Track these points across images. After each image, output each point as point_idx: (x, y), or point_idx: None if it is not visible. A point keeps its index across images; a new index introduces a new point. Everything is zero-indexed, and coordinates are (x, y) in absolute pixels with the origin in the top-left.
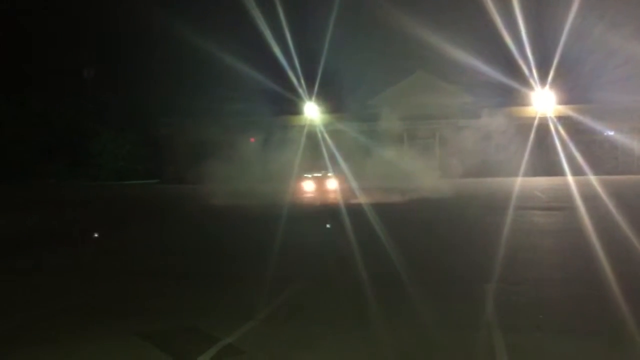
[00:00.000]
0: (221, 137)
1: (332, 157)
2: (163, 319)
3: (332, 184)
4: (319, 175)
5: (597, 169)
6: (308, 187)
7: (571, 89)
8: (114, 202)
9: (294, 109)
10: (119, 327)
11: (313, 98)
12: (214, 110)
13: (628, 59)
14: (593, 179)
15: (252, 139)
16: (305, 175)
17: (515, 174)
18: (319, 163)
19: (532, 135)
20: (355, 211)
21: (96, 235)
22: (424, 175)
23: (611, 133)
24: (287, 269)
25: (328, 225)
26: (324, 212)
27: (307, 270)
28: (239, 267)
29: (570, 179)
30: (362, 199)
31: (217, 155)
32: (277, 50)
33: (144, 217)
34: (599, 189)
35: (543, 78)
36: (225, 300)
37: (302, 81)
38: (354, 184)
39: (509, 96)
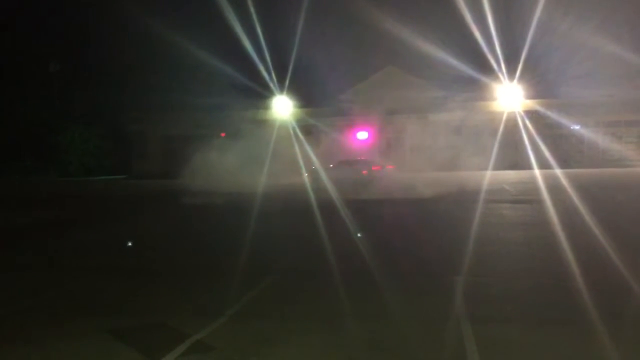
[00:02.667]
0: (191, 132)
1: (304, 152)
2: (132, 316)
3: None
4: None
5: (564, 163)
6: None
7: (538, 83)
8: (81, 198)
9: (265, 103)
10: (88, 325)
11: (284, 92)
12: (184, 105)
13: (592, 54)
14: (559, 172)
15: (223, 134)
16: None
17: (484, 168)
18: (289, 157)
19: (500, 129)
20: (325, 207)
21: (63, 232)
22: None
23: (577, 127)
24: (259, 264)
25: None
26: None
27: (277, 266)
28: (210, 263)
29: (537, 172)
30: (328, 194)
31: (186, 150)
32: (247, 44)
33: (110, 213)
34: (565, 182)
35: (511, 73)
36: (196, 296)
37: (273, 75)
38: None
39: (478, 91)
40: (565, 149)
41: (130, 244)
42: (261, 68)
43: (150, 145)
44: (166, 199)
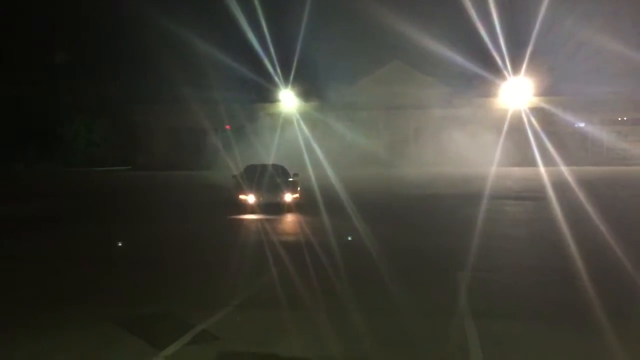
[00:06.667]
0: (195, 124)
1: (309, 145)
2: (138, 306)
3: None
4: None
5: (568, 160)
6: None
7: (544, 80)
8: (85, 189)
9: (270, 97)
10: (94, 313)
11: (289, 86)
12: (190, 98)
13: (598, 51)
14: (564, 169)
15: (228, 127)
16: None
17: (489, 165)
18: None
19: (505, 126)
20: (331, 199)
21: (66, 223)
22: (401, 164)
23: (582, 125)
24: (262, 258)
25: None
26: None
27: (282, 259)
28: (215, 255)
29: (542, 169)
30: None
31: (191, 142)
32: (253, 38)
33: (115, 204)
34: (569, 179)
35: (517, 70)
36: (201, 287)
37: (278, 69)
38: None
39: (484, 88)
40: (569, 146)
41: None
42: (266, 62)
43: (156, 137)
44: (172, 190)
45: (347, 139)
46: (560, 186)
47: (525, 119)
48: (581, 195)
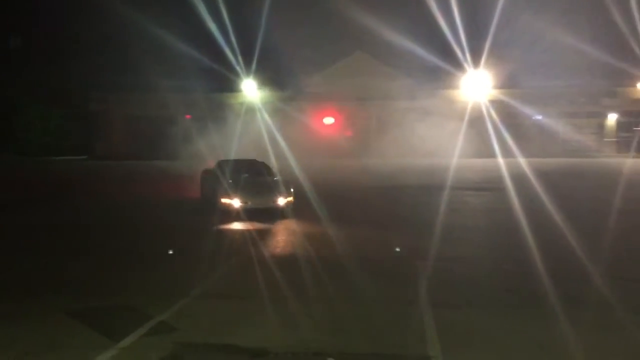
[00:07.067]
0: (155, 113)
1: (271, 135)
2: (94, 297)
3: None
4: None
5: (526, 152)
6: None
7: (503, 73)
8: (37, 178)
9: (232, 86)
10: (48, 305)
11: (251, 76)
12: (149, 86)
13: (554, 45)
14: (522, 161)
15: (188, 116)
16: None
17: (451, 156)
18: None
19: (466, 118)
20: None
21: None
22: (363, 155)
23: (539, 117)
24: (223, 247)
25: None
26: None
27: (245, 248)
28: (170, 244)
29: (501, 161)
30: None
31: (149, 131)
32: (214, 26)
33: (69, 193)
34: (527, 170)
35: (477, 63)
36: (159, 277)
37: (240, 59)
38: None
39: (446, 80)
40: (527, 138)
41: None
42: (228, 51)
43: (114, 126)
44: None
45: (310, 129)
46: (518, 177)
47: (485, 111)
48: (538, 186)
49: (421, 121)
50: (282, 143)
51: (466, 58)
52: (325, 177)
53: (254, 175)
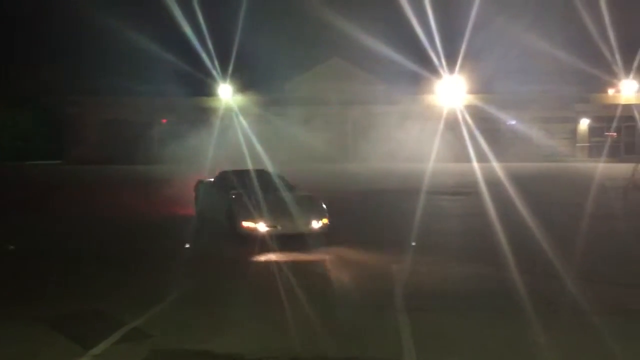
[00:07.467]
0: (131, 117)
1: (248, 140)
2: (65, 303)
3: None
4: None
5: (500, 157)
6: None
7: (477, 79)
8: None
9: (208, 91)
10: (18, 312)
11: (227, 80)
12: (124, 90)
13: (527, 51)
14: (496, 165)
15: (164, 120)
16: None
17: (426, 160)
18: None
19: (441, 123)
20: None
21: None
22: (340, 159)
23: (513, 122)
24: (198, 253)
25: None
26: None
27: (218, 254)
28: (147, 250)
29: (475, 165)
30: None
31: (126, 135)
32: (190, 30)
33: (40, 198)
34: (501, 175)
35: (452, 68)
36: (133, 283)
37: (216, 63)
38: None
39: (421, 85)
40: (501, 143)
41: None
42: (204, 55)
43: (89, 130)
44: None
45: (287, 134)
46: (492, 182)
47: (460, 116)
48: (511, 190)
49: (397, 126)
50: (259, 147)
51: (442, 63)
52: (304, 181)
53: (273, 191)
